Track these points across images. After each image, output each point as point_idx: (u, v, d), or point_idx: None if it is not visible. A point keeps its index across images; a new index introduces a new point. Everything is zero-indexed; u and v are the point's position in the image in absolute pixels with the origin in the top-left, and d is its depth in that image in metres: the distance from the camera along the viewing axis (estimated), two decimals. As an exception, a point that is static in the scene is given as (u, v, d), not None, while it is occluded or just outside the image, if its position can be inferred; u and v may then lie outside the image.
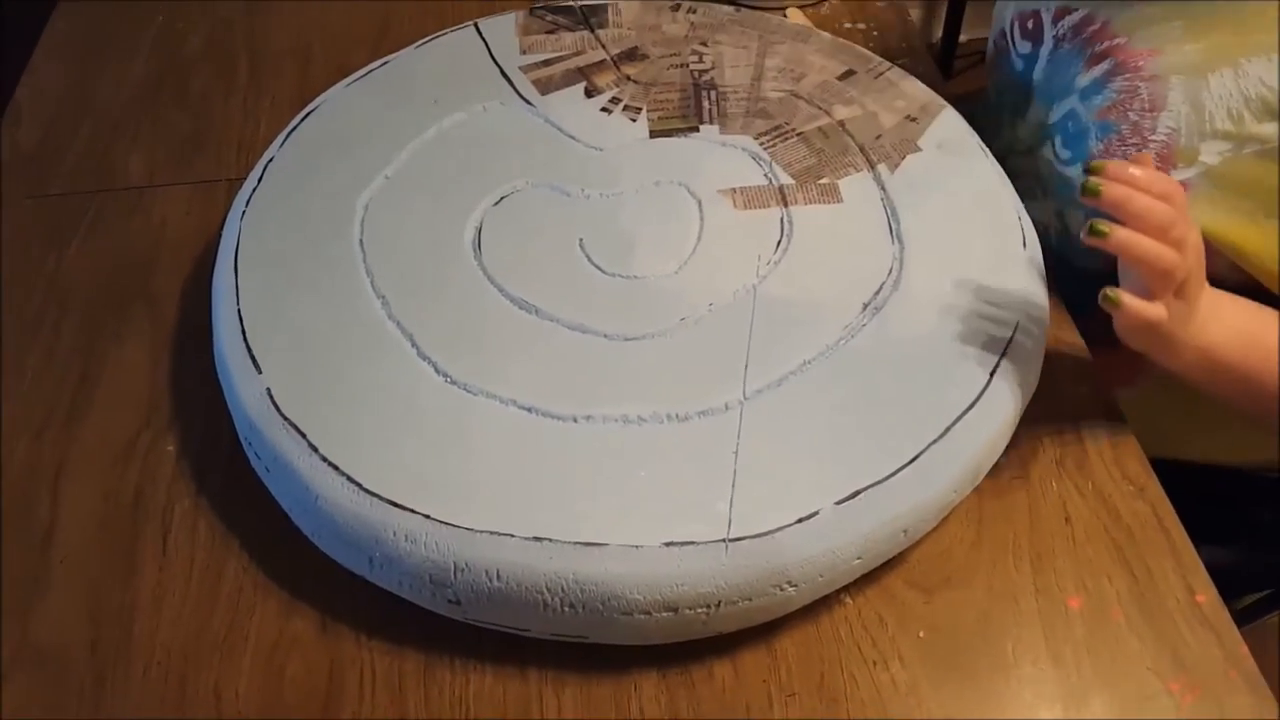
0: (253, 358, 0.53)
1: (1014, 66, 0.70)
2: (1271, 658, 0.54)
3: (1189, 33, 0.56)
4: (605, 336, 0.54)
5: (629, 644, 0.48)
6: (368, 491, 0.47)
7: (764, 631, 0.49)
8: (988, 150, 0.65)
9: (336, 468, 0.48)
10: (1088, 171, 0.46)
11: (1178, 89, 0.56)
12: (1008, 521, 0.54)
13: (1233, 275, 0.55)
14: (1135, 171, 0.46)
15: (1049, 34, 0.65)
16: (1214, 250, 0.54)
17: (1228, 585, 0.53)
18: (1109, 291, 0.47)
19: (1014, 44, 0.69)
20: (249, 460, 0.53)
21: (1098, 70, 0.60)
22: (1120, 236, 0.45)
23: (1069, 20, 0.64)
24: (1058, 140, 0.64)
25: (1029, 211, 0.61)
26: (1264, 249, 0.54)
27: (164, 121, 0.77)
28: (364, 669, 0.49)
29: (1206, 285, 0.50)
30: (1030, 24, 0.67)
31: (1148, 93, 0.57)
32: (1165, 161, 0.56)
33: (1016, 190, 0.62)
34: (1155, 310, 0.46)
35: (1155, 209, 0.45)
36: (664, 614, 0.45)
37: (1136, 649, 0.50)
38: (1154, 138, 0.57)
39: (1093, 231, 0.46)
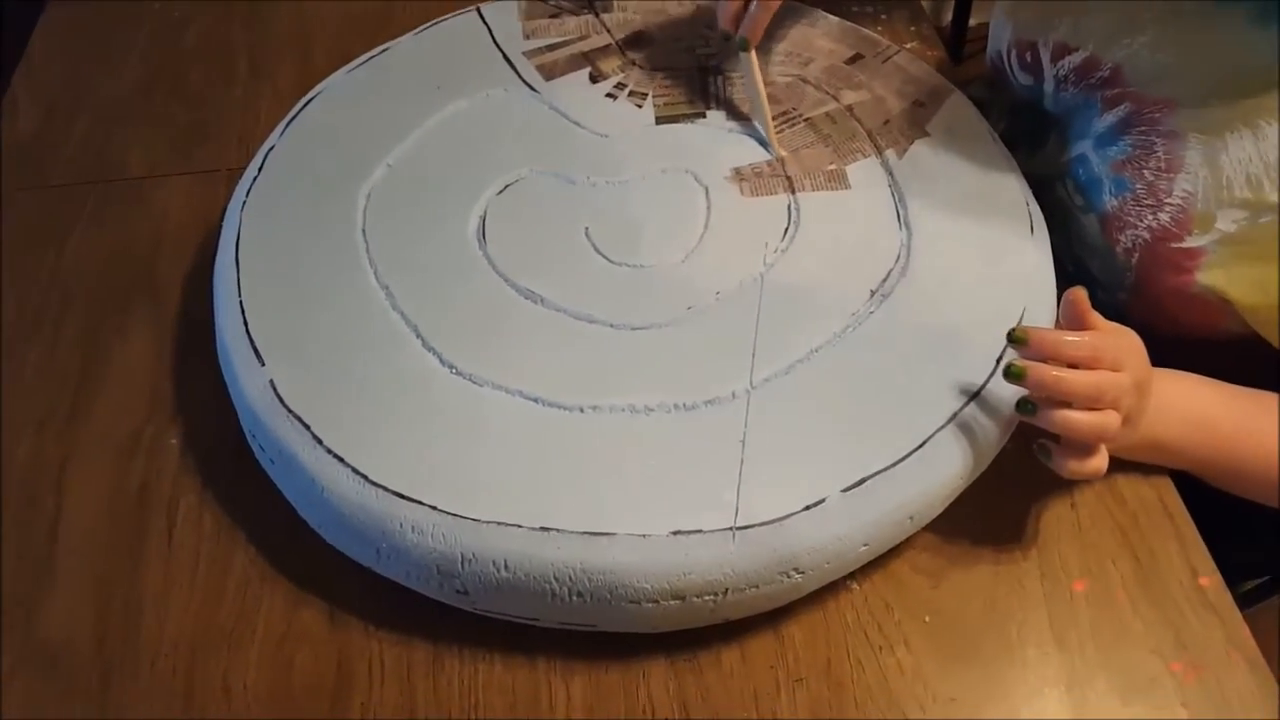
0: (255, 350, 0.52)
1: (1018, 93, 0.68)
2: (1271, 638, 0.54)
3: (1206, 88, 0.54)
4: (612, 326, 0.54)
5: (637, 632, 0.48)
6: (373, 483, 0.47)
7: (771, 618, 0.50)
8: (996, 136, 0.64)
9: (342, 459, 0.48)
10: (1011, 340, 0.46)
11: (1195, 149, 0.54)
12: (1013, 507, 0.54)
13: (1241, 328, 0.55)
14: (1063, 339, 0.46)
15: (1049, 73, 0.63)
16: (1225, 305, 0.54)
17: (1230, 571, 0.53)
18: (1043, 443, 0.48)
19: (1014, 73, 0.67)
20: (253, 453, 0.53)
21: (1112, 116, 0.58)
22: (1050, 417, 0.46)
23: (1070, 61, 0.61)
24: (1070, 183, 0.62)
25: None
26: (1270, 317, 0.53)
27: (163, 112, 0.76)
28: (372, 660, 0.49)
29: (1155, 383, 0.50)
30: (1028, 56, 0.65)
31: (1164, 150, 0.55)
32: (1181, 226, 0.55)
33: None
34: (1092, 466, 0.47)
35: (1083, 385, 0.45)
36: (672, 602, 0.46)
37: (1140, 631, 0.50)
38: (1169, 200, 0.55)
39: (1020, 408, 0.47)
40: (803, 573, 0.46)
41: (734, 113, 0.66)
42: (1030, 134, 0.67)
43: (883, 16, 0.81)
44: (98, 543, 0.53)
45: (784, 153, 0.63)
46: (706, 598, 0.46)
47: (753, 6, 0.62)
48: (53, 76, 0.79)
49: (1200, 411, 0.52)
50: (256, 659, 0.49)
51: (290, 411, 0.50)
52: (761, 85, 0.64)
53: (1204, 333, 0.57)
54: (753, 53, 0.64)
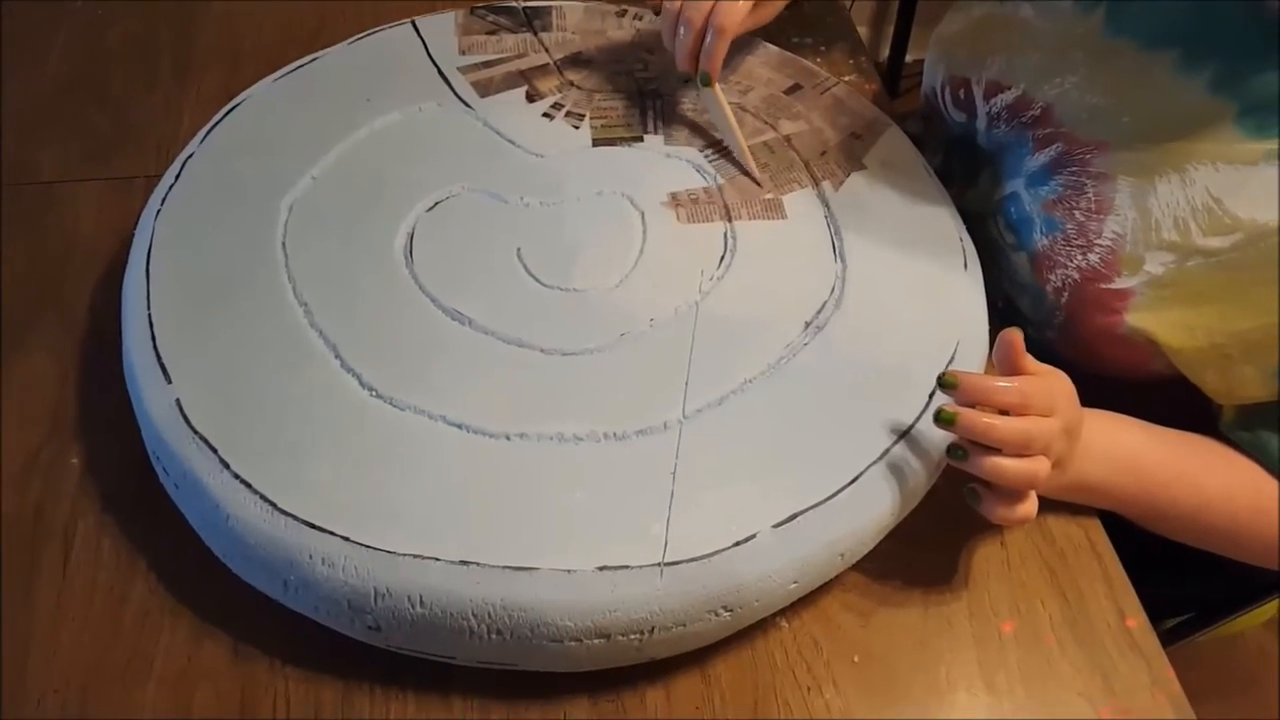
0: (162, 366, 0.50)
1: (952, 131, 0.68)
2: (1196, 674, 0.55)
3: (1135, 131, 0.55)
4: (542, 351, 0.52)
5: (559, 671, 0.46)
6: (282, 511, 0.45)
7: (698, 656, 0.48)
8: (931, 170, 0.65)
9: (249, 485, 0.46)
10: (941, 385, 0.46)
11: (1124, 192, 0.54)
12: (944, 544, 0.54)
13: (1168, 369, 0.55)
14: (994, 384, 0.46)
15: (981, 111, 0.64)
16: (1153, 346, 0.55)
17: (1155, 609, 0.53)
18: (973, 488, 0.48)
19: (947, 109, 0.67)
20: (158, 475, 0.50)
21: (1044, 156, 0.59)
22: (980, 464, 0.46)
23: (1001, 99, 0.62)
24: (1001, 220, 0.62)
25: None
26: (1198, 360, 0.54)
27: (80, 114, 0.73)
28: (278, 698, 0.46)
29: (1084, 424, 0.50)
30: (962, 93, 0.65)
31: (1094, 192, 0.56)
32: (1110, 268, 0.55)
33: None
34: (1021, 512, 0.47)
35: (1013, 432, 0.45)
36: (596, 641, 0.44)
37: (1068, 673, 0.50)
38: (1099, 241, 0.55)
39: (950, 454, 0.47)
40: (731, 611, 0.45)
41: (672, 137, 0.65)
42: (964, 170, 0.67)
43: (822, 48, 0.81)
44: (-16, 568, 0.50)
45: (762, 176, 0.62)
46: (632, 636, 0.44)
47: (708, 40, 0.61)
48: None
49: (1127, 453, 0.53)
50: (153, 697, 0.46)
51: (196, 433, 0.47)
52: (731, 116, 0.63)
53: (1132, 373, 0.57)
54: (716, 86, 0.63)
